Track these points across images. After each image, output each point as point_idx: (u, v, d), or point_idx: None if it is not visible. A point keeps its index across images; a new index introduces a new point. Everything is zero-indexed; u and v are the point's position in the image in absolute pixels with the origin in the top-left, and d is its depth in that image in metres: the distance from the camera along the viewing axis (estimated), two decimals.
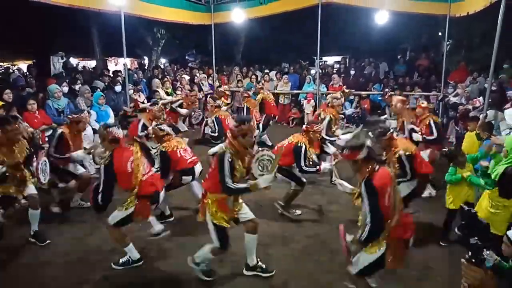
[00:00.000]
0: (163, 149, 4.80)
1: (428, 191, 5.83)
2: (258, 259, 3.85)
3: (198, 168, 5.02)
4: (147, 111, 6.49)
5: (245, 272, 3.82)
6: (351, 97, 10.67)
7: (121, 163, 3.65)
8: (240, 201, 3.64)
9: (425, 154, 5.73)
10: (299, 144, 4.87)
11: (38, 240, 4.42)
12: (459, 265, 1.98)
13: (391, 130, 4.50)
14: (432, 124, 5.86)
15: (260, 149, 3.69)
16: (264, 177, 3.38)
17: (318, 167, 4.85)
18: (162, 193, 3.98)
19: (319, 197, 5.61)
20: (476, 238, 2.01)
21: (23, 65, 15.74)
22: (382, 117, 7.77)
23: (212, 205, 3.46)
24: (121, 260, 3.97)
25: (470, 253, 1.96)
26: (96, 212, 3.90)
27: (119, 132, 3.78)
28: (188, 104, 8.65)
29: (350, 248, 3.01)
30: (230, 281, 3.75)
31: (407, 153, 4.30)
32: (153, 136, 5.11)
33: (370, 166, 2.86)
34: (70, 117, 5.21)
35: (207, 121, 8.12)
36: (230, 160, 3.33)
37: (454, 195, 4.36)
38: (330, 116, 6.29)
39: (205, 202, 3.51)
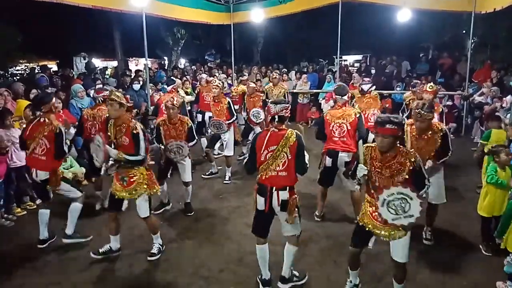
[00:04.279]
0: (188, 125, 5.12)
1: None
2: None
3: None
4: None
5: (280, 285, 3.59)
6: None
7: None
8: None
9: None
10: (358, 115, 4.63)
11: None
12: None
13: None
14: (444, 113, 5.63)
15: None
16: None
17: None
18: None
19: (339, 197, 5.53)
20: None
21: (48, 66, 16.20)
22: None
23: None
24: (154, 250, 4.13)
25: None
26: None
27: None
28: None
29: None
30: (247, 280, 3.74)
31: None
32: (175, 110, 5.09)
33: (399, 144, 3.01)
34: (97, 93, 5.37)
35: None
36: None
37: (488, 202, 4.08)
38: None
39: (294, 198, 3.34)
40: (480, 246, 4.20)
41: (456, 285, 3.63)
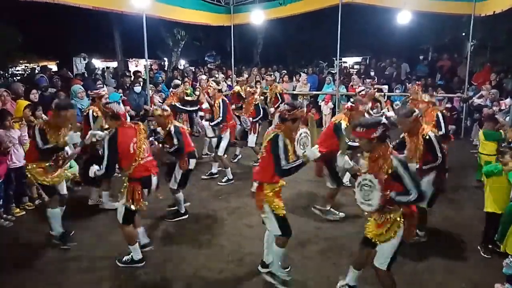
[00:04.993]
0: (177, 126, 4.84)
1: None
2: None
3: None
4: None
5: (260, 269, 3.82)
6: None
7: (124, 141, 3.72)
8: None
9: None
10: (337, 122, 4.82)
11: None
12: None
13: (417, 111, 4.25)
14: (440, 118, 5.24)
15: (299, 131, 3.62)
16: (310, 149, 3.36)
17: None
18: (155, 178, 3.97)
19: (339, 198, 5.53)
20: None
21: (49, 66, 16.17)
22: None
23: (272, 196, 3.45)
24: (125, 258, 4.01)
25: None
26: (86, 184, 4.18)
27: (119, 108, 3.87)
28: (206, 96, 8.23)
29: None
30: (247, 280, 3.74)
31: (437, 134, 4.15)
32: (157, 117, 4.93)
33: (385, 146, 2.97)
34: (92, 93, 5.38)
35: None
36: (285, 144, 3.34)
37: (494, 197, 4.04)
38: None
39: (263, 194, 3.45)
40: (479, 248, 4.20)
41: (455, 286, 3.64)
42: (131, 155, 3.75)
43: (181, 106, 7.11)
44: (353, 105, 4.91)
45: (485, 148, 5.76)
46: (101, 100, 5.24)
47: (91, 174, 3.85)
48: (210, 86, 6.61)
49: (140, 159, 3.78)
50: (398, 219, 2.96)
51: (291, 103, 3.47)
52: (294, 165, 3.31)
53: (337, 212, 5.09)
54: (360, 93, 6.23)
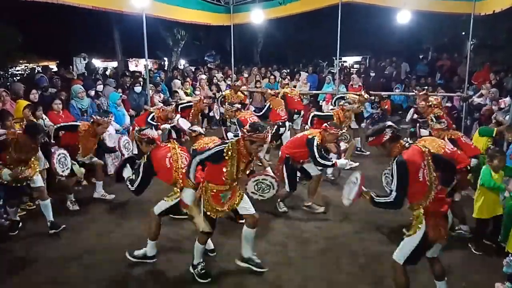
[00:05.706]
0: (194, 147, 4.87)
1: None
2: (254, 254, 3.88)
3: None
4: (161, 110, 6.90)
5: (237, 262, 3.87)
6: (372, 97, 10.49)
7: (159, 161, 3.88)
8: (242, 194, 3.74)
9: None
10: (310, 137, 4.90)
11: (55, 228, 4.64)
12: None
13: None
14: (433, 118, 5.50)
15: (266, 173, 4.03)
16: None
17: (334, 161, 4.83)
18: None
19: (338, 198, 5.53)
20: None
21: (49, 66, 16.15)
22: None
23: (207, 193, 3.59)
24: (136, 253, 4.03)
25: None
26: (117, 181, 4.40)
27: (153, 133, 4.02)
28: (196, 109, 8.16)
29: (362, 196, 3.12)
30: (247, 280, 3.74)
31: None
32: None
33: (399, 145, 3.02)
34: (94, 117, 5.39)
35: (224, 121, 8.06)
36: (221, 153, 3.40)
37: (485, 203, 4.11)
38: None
39: (202, 188, 3.64)
40: (469, 245, 4.23)
41: (455, 285, 3.64)
42: (169, 169, 3.86)
43: (151, 121, 6.94)
44: (328, 126, 4.98)
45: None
46: (98, 127, 5.28)
47: (124, 174, 4.09)
48: (230, 109, 6.82)
49: (181, 169, 3.85)
50: (421, 216, 2.95)
51: (253, 124, 3.50)
52: (190, 170, 3.45)
53: (317, 207, 5.22)
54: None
